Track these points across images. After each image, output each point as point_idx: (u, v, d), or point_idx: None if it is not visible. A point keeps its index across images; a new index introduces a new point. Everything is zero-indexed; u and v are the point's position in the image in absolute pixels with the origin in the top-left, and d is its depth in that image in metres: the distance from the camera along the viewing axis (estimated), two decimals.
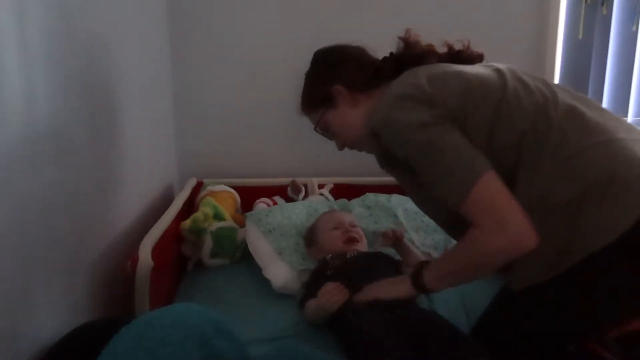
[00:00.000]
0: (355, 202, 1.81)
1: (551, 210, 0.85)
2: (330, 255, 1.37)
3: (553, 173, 0.86)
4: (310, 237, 1.53)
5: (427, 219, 1.50)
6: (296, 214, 1.70)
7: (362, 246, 1.44)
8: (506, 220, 0.83)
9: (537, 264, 0.86)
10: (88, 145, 1.09)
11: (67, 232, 0.97)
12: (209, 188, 1.86)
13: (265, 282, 1.45)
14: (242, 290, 1.45)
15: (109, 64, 1.26)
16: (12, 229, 0.78)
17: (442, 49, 1.09)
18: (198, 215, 1.59)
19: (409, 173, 0.97)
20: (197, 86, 2.05)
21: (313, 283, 1.34)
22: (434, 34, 2.13)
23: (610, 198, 0.81)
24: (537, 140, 0.88)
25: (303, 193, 1.98)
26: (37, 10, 0.87)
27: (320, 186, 2.00)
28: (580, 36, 2.13)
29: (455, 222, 0.92)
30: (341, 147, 1.19)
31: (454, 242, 1.10)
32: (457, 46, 1.09)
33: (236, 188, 1.93)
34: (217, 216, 1.65)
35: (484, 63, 1.09)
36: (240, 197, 1.94)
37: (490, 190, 0.85)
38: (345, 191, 1.95)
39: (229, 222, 1.66)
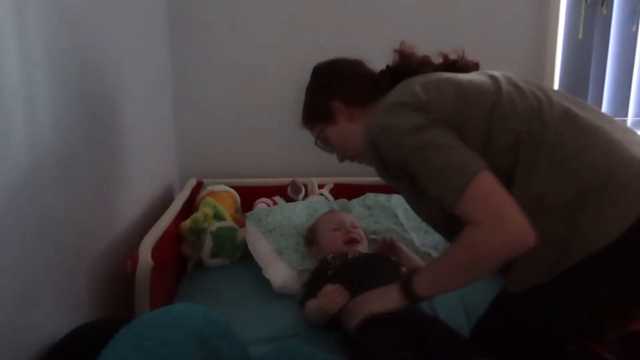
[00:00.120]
0: (355, 202, 1.81)
1: (549, 212, 0.85)
2: (331, 255, 1.37)
3: (550, 174, 0.86)
4: (310, 237, 1.53)
5: None
6: (296, 214, 1.70)
7: (363, 247, 1.44)
8: (506, 215, 0.82)
9: (537, 266, 0.86)
10: (88, 146, 1.09)
11: (67, 232, 0.97)
12: (209, 188, 1.86)
13: (265, 282, 1.45)
14: (242, 290, 1.45)
15: (109, 64, 1.26)
16: (12, 229, 0.78)
17: (438, 59, 1.10)
18: (198, 215, 1.59)
19: (406, 180, 0.97)
20: (197, 86, 2.05)
21: (313, 283, 1.34)
22: (435, 34, 2.13)
23: (609, 199, 0.81)
24: (533, 142, 0.88)
25: (303, 193, 1.98)
26: (37, 11, 0.87)
27: (320, 186, 2.00)
28: (580, 36, 2.13)
29: (453, 228, 0.92)
30: (341, 159, 1.21)
31: None
32: (452, 56, 1.10)
33: (236, 188, 1.93)
34: (217, 216, 1.65)
35: (479, 71, 1.09)
36: (240, 197, 1.94)
37: (486, 188, 0.84)
38: (345, 191, 1.95)
39: (229, 222, 1.66)
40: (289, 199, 1.97)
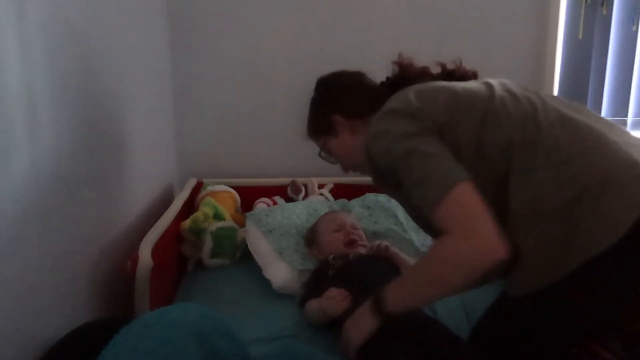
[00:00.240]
0: (355, 202, 1.81)
1: (547, 216, 0.85)
2: (332, 255, 1.37)
3: (547, 178, 0.86)
4: (311, 237, 1.53)
5: None
6: (296, 214, 1.70)
7: (363, 248, 1.44)
8: (476, 227, 0.82)
9: (536, 270, 0.86)
10: (88, 145, 1.09)
11: (67, 232, 0.97)
12: (209, 188, 1.86)
13: (265, 282, 1.45)
14: (242, 290, 1.45)
15: (110, 64, 1.26)
16: (12, 229, 0.78)
17: (436, 69, 1.11)
18: (198, 215, 1.59)
19: (400, 187, 0.97)
20: (197, 86, 2.05)
21: (314, 283, 1.34)
22: (435, 34, 2.12)
23: (607, 201, 0.81)
24: (528, 147, 0.88)
25: (303, 193, 1.98)
26: (37, 11, 0.87)
27: (320, 186, 2.00)
28: (580, 36, 2.13)
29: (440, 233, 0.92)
30: (345, 170, 1.23)
31: None
32: (450, 66, 1.11)
33: (236, 188, 1.93)
34: (217, 216, 1.65)
35: (478, 79, 1.09)
36: (240, 197, 1.94)
37: (462, 199, 0.84)
38: (345, 191, 1.95)
39: (229, 222, 1.66)
40: (289, 199, 1.97)
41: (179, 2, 1.97)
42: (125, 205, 1.37)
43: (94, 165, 1.13)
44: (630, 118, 2.22)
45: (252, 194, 1.96)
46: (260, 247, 1.56)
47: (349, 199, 1.86)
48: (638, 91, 2.21)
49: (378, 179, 1.06)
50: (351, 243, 1.42)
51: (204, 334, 0.79)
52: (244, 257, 1.62)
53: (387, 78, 1.13)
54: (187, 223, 1.57)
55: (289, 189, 2.00)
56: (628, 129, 2.22)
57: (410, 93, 0.98)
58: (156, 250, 1.18)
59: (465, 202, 0.84)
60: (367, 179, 1.97)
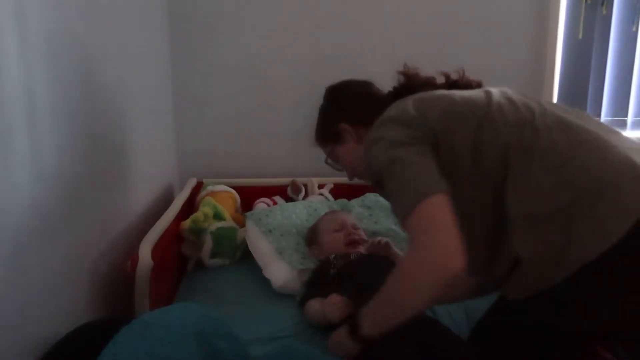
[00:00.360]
0: (355, 202, 1.81)
1: (545, 219, 0.85)
2: (334, 255, 1.37)
3: (544, 181, 0.86)
4: (311, 237, 1.53)
5: None
6: (296, 214, 1.70)
7: (364, 248, 1.44)
8: (435, 239, 0.82)
9: (534, 274, 0.86)
10: (89, 145, 1.09)
11: (67, 232, 0.97)
12: (209, 188, 1.86)
13: (265, 282, 1.45)
14: (242, 290, 1.45)
15: (110, 64, 1.26)
16: (12, 229, 0.78)
17: (440, 79, 1.12)
18: (198, 215, 1.59)
19: None
20: (197, 86, 2.05)
21: (315, 282, 1.34)
22: (435, 34, 2.12)
23: (604, 203, 0.81)
24: (524, 151, 0.88)
25: (303, 193, 1.98)
26: (37, 13, 0.87)
27: (320, 186, 2.00)
28: (580, 36, 2.14)
29: None
30: (351, 177, 1.23)
31: None
32: (454, 76, 1.12)
33: (236, 188, 1.93)
34: (217, 216, 1.65)
35: (480, 89, 1.10)
36: (240, 197, 1.94)
37: (432, 211, 0.84)
38: (345, 191, 1.95)
39: (229, 222, 1.66)
40: (289, 199, 1.97)
41: (179, 2, 1.97)
42: (125, 205, 1.37)
43: (94, 165, 1.13)
44: (630, 118, 2.22)
45: (252, 194, 1.96)
46: (260, 246, 1.56)
47: (349, 199, 1.86)
48: (638, 91, 2.21)
49: (374, 185, 1.07)
50: (352, 243, 1.42)
51: (204, 334, 0.79)
52: (244, 257, 1.62)
53: (394, 87, 1.14)
54: (187, 223, 1.57)
55: (289, 189, 2.00)
56: (628, 129, 2.23)
57: (409, 101, 0.99)
58: (156, 250, 1.18)
59: (434, 214, 0.84)
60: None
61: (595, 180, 0.82)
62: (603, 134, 0.90)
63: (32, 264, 0.84)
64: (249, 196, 1.94)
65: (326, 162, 1.25)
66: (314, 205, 1.78)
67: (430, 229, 0.83)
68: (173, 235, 1.51)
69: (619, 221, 0.79)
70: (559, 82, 2.19)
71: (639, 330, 0.86)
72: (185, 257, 1.61)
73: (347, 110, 1.16)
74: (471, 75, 1.12)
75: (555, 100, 2.19)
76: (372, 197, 1.81)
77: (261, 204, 1.87)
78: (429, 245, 0.83)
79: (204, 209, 1.62)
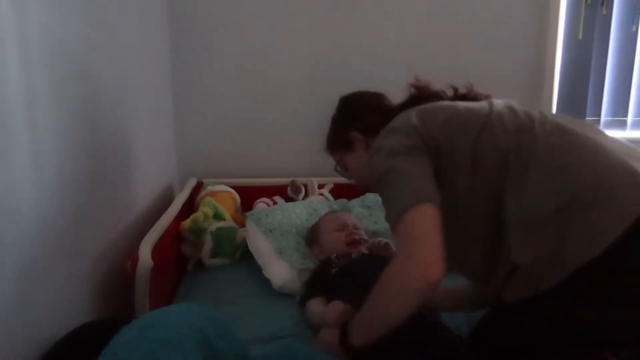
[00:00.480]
0: (355, 202, 1.81)
1: (540, 222, 0.85)
2: (335, 254, 1.38)
3: (541, 185, 0.86)
4: (312, 237, 1.53)
5: None
6: (296, 213, 1.70)
7: (365, 248, 1.44)
8: (417, 247, 0.84)
9: (530, 278, 0.86)
10: (88, 145, 1.09)
11: (67, 232, 0.97)
12: (209, 188, 1.86)
13: (265, 282, 1.45)
14: (242, 290, 1.45)
15: (110, 64, 1.26)
16: (12, 229, 0.78)
17: (449, 92, 1.14)
18: (198, 215, 1.59)
19: None
20: (197, 86, 2.05)
21: (316, 281, 1.34)
22: (435, 34, 2.12)
23: (599, 207, 0.81)
24: (523, 157, 0.89)
25: (303, 193, 1.98)
26: (36, 12, 0.87)
27: (320, 186, 2.00)
28: (580, 36, 2.14)
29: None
30: (358, 184, 1.26)
31: None
32: (462, 90, 1.14)
33: (236, 188, 1.93)
34: (217, 216, 1.65)
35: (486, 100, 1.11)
36: (240, 197, 1.94)
37: (417, 219, 0.86)
38: (345, 191, 1.95)
39: (229, 222, 1.66)
40: (289, 199, 1.97)
41: (179, 2, 1.98)
42: (126, 205, 1.37)
43: (94, 165, 1.13)
44: (630, 118, 2.22)
45: (252, 194, 1.96)
46: (260, 246, 1.56)
47: (349, 199, 1.86)
48: (638, 91, 2.21)
49: (377, 192, 1.09)
50: (353, 243, 1.42)
51: (204, 333, 0.79)
52: (244, 257, 1.62)
53: (406, 100, 1.17)
54: (187, 223, 1.57)
55: (289, 189, 2.00)
56: (628, 129, 2.23)
57: (413, 112, 1.01)
58: (156, 250, 1.18)
59: (419, 222, 0.85)
60: None
61: (590, 184, 0.83)
62: (604, 141, 0.90)
63: (32, 264, 0.84)
64: (249, 196, 1.94)
65: (335, 169, 1.28)
66: (314, 205, 1.78)
67: (411, 237, 0.85)
68: (173, 235, 1.51)
69: (612, 224, 0.79)
70: (559, 82, 2.19)
71: (636, 332, 0.86)
72: (185, 257, 1.61)
73: (358, 119, 1.19)
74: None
75: (555, 100, 2.20)
76: (372, 197, 1.81)
77: (261, 204, 1.88)
78: (409, 255, 0.84)
79: (204, 209, 1.62)
